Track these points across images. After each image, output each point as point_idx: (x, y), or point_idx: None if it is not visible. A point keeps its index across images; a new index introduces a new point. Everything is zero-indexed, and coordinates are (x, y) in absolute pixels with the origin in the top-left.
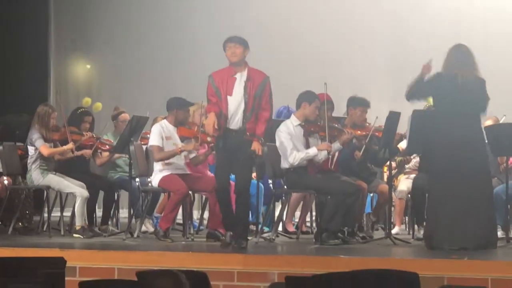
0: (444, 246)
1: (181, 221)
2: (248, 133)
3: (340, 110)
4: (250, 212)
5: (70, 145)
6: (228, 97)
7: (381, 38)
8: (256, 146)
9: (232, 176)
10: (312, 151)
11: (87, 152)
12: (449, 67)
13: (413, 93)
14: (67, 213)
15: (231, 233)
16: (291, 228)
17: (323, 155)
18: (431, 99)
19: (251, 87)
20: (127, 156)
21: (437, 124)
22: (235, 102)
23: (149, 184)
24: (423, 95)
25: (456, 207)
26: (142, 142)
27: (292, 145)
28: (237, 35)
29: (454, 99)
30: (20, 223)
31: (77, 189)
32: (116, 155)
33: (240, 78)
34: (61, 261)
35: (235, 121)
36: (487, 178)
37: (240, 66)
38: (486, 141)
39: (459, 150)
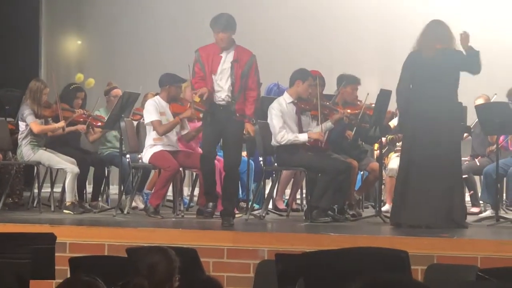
0: (406, 223)
1: (171, 198)
2: (237, 114)
3: (331, 88)
4: (240, 189)
5: (62, 123)
6: (213, 75)
7: (372, 17)
8: (249, 127)
9: (220, 153)
10: (302, 136)
11: (81, 127)
12: (422, 43)
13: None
14: (58, 189)
15: (213, 203)
16: (281, 206)
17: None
18: None
19: (237, 67)
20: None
21: (415, 103)
22: (220, 81)
23: (140, 161)
24: (407, 83)
25: (423, 185)
26: (133, 118)
27: (281, 124)
28: (224, 16)
29: (428, 75)
30: (10, 199)
31: (68, 165)
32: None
33: (226, 57)
34: (51, 237)
35: (221, 98)
36: (456, 156)
37: (228, 48)
38: (477, 119)
39: (432, 127)
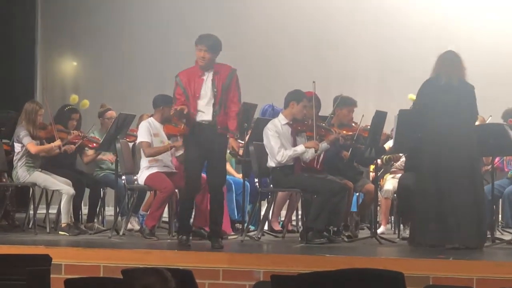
0: (425, 243)
1: (167, 219)
2: (219, 127)
3: (327, 109)
4: (235, 210)
5: (58, 142)
6: (198, 100)
7: (369, 37)
8: (233, 143)
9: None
10: (300, 148)
11: (71, 147)
12: (441, 70)
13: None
14: (53, 211)
15: (186, 236)
16: (277, 227)
17: (310, 153)
18: (413, 96)
19: (218, 80)
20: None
21: (424, 123)
22: (204, 102)
23: (135, 182)
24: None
25: (441, 206)
26: (128, 140)
27: (280, 144)
28: (212, 36)
29: (445, 98)
30: (6, 222)
31: (63, 187)
32: (104, 155)
33: (207, 78)
34: (47, 259)
35: (204, 119)
36: (475, 179)
37: (208, 69)
38: None
39: (447, 149)
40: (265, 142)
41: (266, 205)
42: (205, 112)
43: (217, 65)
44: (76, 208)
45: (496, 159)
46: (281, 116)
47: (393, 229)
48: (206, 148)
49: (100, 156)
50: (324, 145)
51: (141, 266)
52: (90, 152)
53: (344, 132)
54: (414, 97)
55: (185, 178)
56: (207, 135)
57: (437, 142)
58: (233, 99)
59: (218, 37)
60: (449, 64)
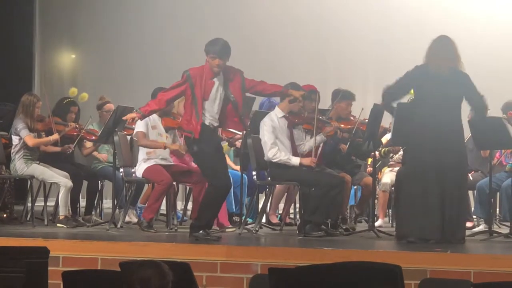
0: (410, 237)
1: (164, 212)
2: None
3: (325, 103)
4: (233, 203)
5: (56, 136)
6: (205, 101)
7: (367, 30)
8: None
9: None
10: (295, 161)
11: (69, 147)
12: (431, 58)
13: (390, 94)
14: (51, 203)
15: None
16: (275, 220)
17: (307, 146)
18: (412, 91)
19: (233, 86)
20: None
21: (416, 116)
22: (210, 106)
23: (133, 175)
24: (402, 91)
25: (427, 200)
26: (126, 133)
27: (273, 140)
28: (220, 42)
29: (434, 90)
30: (5, 214)
31: (61, 179)
32: (99, 153)
33: (219, 83)
34: (45, 251)
35: (215, 123)
36: (461, 173)
37: (219, 73)
38: (470, 134)
39: (436, 143)
40: (260, 136)
41: (264, 198)
42: (213, 117)
43: (225, 68)
44: (74, 201)
45: (497, 154)
46: (277, 109)
47: (390, 222)
48: (218, 145)
49: (94, 153)
50: (320, 137)
51: (138, 258)
52: (88, 144)
53: (342, 125)
54: (413, 91)
55: (213, 177)
56: (216, 135)
57: (423, 136)
58: (251, 83)
59: (223, 38)
60: (439, 52)
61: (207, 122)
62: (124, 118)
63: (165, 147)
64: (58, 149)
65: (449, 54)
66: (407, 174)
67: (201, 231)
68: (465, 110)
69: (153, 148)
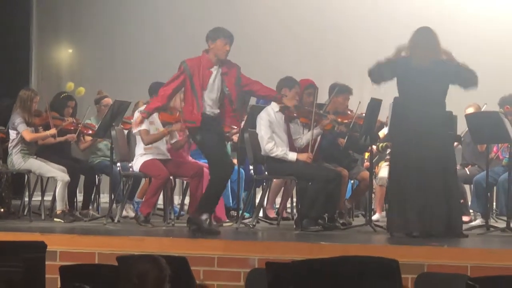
0: (400, 231)
1: (162, 206)
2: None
3: (322, 97)
4: (230, 197)
5: (53, 131)
6: (204, 90)
7: (365, 25)
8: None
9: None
10: (292, 156)
11: (72, 136)
12: (412, 50)
13: (375, 75)
14: (48, 198)
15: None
16: (272, 214)
17: (304, 139)
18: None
19: (228, 80)
20: (109, 140)
21: (401, 110)
22: (211, 93)
23: (130, 169)
24: (386, 76)
25: (417, 192)
26: (124, 127)
27: (269, 134)
28: (226, 29)
29: (416, 84)
30: (1, 209)
31: (58, 174)
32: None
33: (216, 72)
34: (42, 245)
35: (211, 111)
36: (445, 167)
37: (217, 63)
38: (468, 128)
39: (419, 138)
40: (257, 130)
41: (261, 192)
42: (213, 107)
43: (223, 62)
44: (71, 195)
45: (494, 149)
46: (273, 103)
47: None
48: (221, 133)
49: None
50: (317, 130)
51: (136, 253)
52: (86, 138)
53: (340, 119)
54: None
55: (214, 165)
56: (217, 123)
57: (406, 130)
58: (247, 81)
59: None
60: (420, 43)
61: (207, 111)
62: (134, 132)
63: (168, 132)
64: (61, 139)
65: (430, 45)
66: (392, 169)
67: (204, 215)
68: (462, 104)
69: (159, 139)
